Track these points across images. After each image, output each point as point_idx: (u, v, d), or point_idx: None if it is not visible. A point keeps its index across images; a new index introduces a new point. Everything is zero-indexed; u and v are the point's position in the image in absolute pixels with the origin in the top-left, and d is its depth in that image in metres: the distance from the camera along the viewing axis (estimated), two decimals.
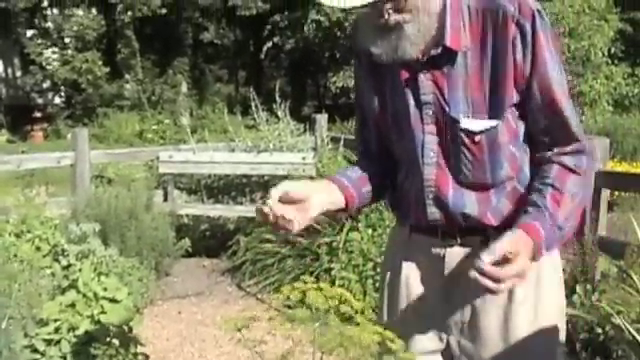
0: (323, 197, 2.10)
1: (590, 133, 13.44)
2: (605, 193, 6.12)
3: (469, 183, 2.09)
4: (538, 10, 1.98)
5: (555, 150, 2.06)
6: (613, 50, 18.21)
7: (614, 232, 6.46)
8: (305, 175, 7.80)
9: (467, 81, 2.02)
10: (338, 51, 19.01)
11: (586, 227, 5.83)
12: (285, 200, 2.00)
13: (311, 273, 6.45)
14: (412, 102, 2.09)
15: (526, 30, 1.97)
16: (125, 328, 4.61)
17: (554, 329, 2.20)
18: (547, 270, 2.16)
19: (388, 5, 1.93)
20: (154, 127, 24.02)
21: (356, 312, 4.94)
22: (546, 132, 2.06)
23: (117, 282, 4.81)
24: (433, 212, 2.13)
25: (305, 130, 9.09)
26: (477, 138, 2.03)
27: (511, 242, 1.88)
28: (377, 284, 6.02)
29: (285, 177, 8.01)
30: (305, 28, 18.25)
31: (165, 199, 8.43)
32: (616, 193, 9.68)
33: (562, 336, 2.23)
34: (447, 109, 2.04)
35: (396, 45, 1.98)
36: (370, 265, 6.06)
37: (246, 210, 8.12)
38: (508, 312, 2.13)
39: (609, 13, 19.24)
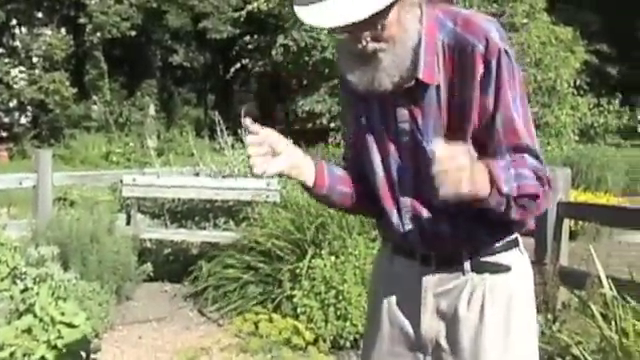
0: (293, 158, 2.16)
1: (555, 162, 13.57)
2: (567, 223, 6.16)
3: (441, 207, 2.14)
4: (505, 50, 2.07)
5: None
6: (579, 81, 18.37)
7: (576, 262, 6.48)
8: (269, 201, 7.80)
9: (439, 112, 2.13)
10: (305, 76, 19.04)
11: (547, 257, 5.86)
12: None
13: (273, 300, 6.43)
14: (388, 129, 2.21)
15: (491, 67, 2.06)
16: (83, 354, 4.56)
17: (525, 353, 2.26)
18: (519, 294, 2.25)
19: (366, 33, 2.01)
20: (120, 149, 23.93)
21: (308, 344, 4.91)
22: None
23: (75, 307, 4.76)
24: (411, 233, 2.23)
25: None
26: None
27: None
28: (339, 312, 6.01)
29: (249, 203, 8.01)
30: (273, 52, 18.26)
31: (128, 223, 8.36)
32: (579, 222, 9.74)
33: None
34: (420, 137, 2.15)
35: (372, 76, 2.07)
36: (332, 293, 6.03)
37: (209, 235, 8.09)
38: (478, 334, 2.20)
39: (575, 45, 19.46)
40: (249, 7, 18.47)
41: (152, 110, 30.57)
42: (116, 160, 23.61)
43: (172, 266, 8.28)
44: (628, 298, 4.37)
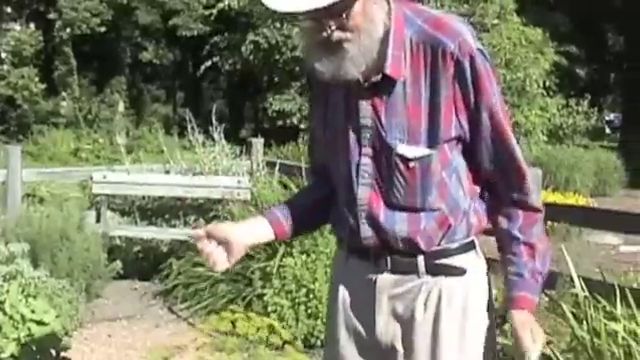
0: (245, 237, 2.25)
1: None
2: None
3: (400, 206, 2.17)
4: (479, 49, 2.09)
5: (516, 195, 2.21)
6: (548, 82, 18.52)
7: None
8: (240, 199, 7.77)
9: (405, 109, 2.12)
10: (276, 74, 19.06)
11: None
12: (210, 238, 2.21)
13: (243, 298, 6.41)
14: (351, 124, 2.19)
15: (465, 67, 2.07)
16: (53, 352, 4.54)
17: (482, 354, 2.26)
18: (475, 296, 2.25)
19: (331, 22, 1.99)
20: (89, 146, 23.78)
21: (285, 343, 4.89)
22: (497, 165, 2.18)
23: (45, 304, 4.74)
24: (366, 230, 2.20)
25: (241, 153, 9.05)
26: (411, 164, 2.12)
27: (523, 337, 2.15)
28: (310, 310, 6.01)
29: (219, 200, 7.98)
30: (243, 49, 18.26)
31: (98, 220, 8.31)
32: (549, 222, 9.81)
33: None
34: (384, 134, 2.14)
35: (339, 65, 2.05)
36: (303, 291, 6.03)
37: (179, 233, 8.05)
38: (435, 337, 2.20)
39: (545, 46, 19.59)
40: (220, 5, 18.47)
41: (121, 107, 30.43)
42: (85, 157, 23.44)
43: (142, 264, 8.24)
44: (599, 298, 4.41)
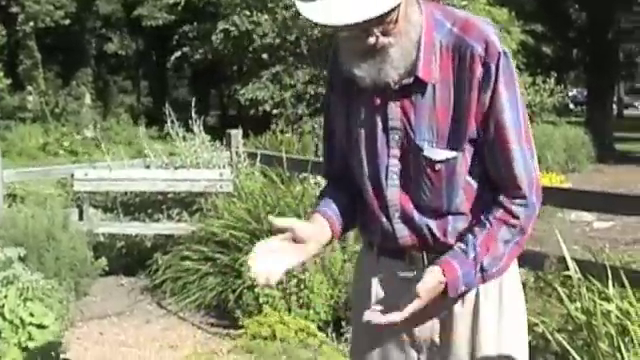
0: (317, 245, 2.22)
1: None
2: None
3: (426, 207, 2.19)
4: (504, 52, 2.10)
5: (503, 196, 2.17)
6: (515, 61, 18.63)
7: (529, 243, 6.62)
8: (223, 192, 7.80)
9: (433, 112, 2.13)
10: (246, 63, 19.01)
11: None
12: (283, 233, 2.15)
13: (234, 291, 6.44)
14: (380, 126, 2.20)
15: (491, 71, 2.08)
16: (53, 354, 4.56)
17: (517, 344, 2.31)
18: (508, 287, 2.28)
19: (377, 28, 2.01)
20: (57, 140, 23.61)
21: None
22: (497, 172, 2.17)
23: (43, 307, 4.75)
24: (401, 229, 2.23)
25: (214, 140, 8.99)
26: (437, 167, 2.15)
27: (425, 289, 2.10)
28: (301, 300, 6.05)
29: (202, 194, 8.01)
30: (213, 37, 18.19)
31: (80, 217, 8.29)
32: None
33: (525, 349, 2.35)
34: (412, 136, 2.16)
35: (380, 69, 2.07)
36: (294, 281, 6.06)
37: (163, 227, 8.07)
38: (474, 329, 2.24)
39: (511, 25, 19.72)
40: None
41: (88, 99, 30.27)
42: (54, 151, 23.28)
43: (127, 260, 8.24)
44: (591, 279, 4.50)
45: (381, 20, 1.97)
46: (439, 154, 2.13)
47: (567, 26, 28.06)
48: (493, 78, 2.08)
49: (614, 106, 34.80)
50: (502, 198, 2.16)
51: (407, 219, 2.22)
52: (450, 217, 2.20)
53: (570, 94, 41.18)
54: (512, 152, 2.13)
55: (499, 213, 2.16)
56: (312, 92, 16.43)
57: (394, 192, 2.22)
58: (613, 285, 4.40)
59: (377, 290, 2.33)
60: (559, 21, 26.73)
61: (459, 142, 2.13)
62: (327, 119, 2.44)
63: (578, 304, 4.46)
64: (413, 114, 2.15)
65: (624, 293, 4.38)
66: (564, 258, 4.74)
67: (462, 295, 2.20)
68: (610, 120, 27.20)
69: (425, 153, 2.14)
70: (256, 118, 17.55)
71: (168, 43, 26.63)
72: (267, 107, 16.92)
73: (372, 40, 2.02)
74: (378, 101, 2.18)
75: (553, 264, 5.20)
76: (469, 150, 2.15)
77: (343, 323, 5.82)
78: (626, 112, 50.18)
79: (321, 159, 2.68)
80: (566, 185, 11.92)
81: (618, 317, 4.17)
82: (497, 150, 2.14)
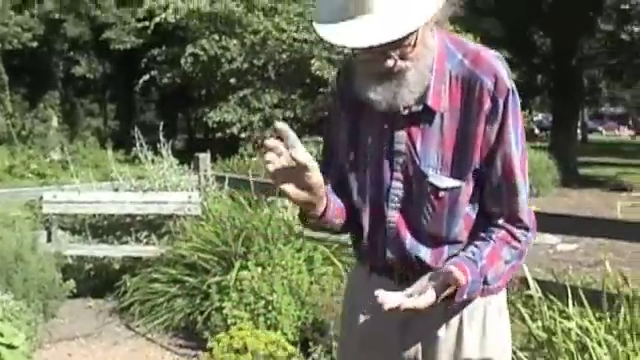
0: (322, 186, 2.14)
1: None
2: None
3: (424, 232, 2.23)
4: (512, 89, 2.15)
5: (503, 221, 2.22)
6: None
7: None
8: (191, 214, 7.87)
9: (440, 140, 2.17)
10: (214, 87, 19.09)
11: None
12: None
13: (202, 312, 6.49)
14: (385, 149, 2.23)
15: (499, 105, 2.13)
16: None
17: None
18: (493, 312, 2.32)
19: (396, 52, 2.04)
20: (24, 163, 23.53)
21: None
22: (498, 203, 2.22)
23: (12, 328, 4.78)
24: (391, 253, 2.27)
25: (182, 163, 9.06)
26: (441, 194, 2.19)
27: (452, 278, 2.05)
28: (269, 322, 6.11)
29: (170, 217, 8.07)
30: (182, 61, 18.28)
31: (49, 239, 8.31)
32: None
33: None
34: (418, 162, 2.19)
35: (395, 92, 2.11)
36: (262, 303, 6.13)
37: (132, 250, 8.10)
38: (457, 354, 2.29)
39: None
40: (157, 19, 18.42)
41: (55, 122, 30.19)
42: (20, 174, 23.20)
43: (95, 282, 8.26)
44: (552, 298, 4.61)
45: (400, 43, 2.00)
46: (444, 181, 2.17)
47: (532, 52, 28.31)
48: (501, 113, 2.13)
49: (578, 131, 35.14)
50: (503, 222, 2.21)
51: (399, 243, 2.25)
52: (447, 246, 2.24)
53: (535, 119, 41.57)
54: (517, 184, 2.19)
55: (501, 234, 2.20)
56: (280, 116, 16.54)
57: (393, 214, 2.25)
58: (573, 304, 4.51)
59: (367, 305, 2.34)
60: (524, 47, 26.97)
61: (464, 172, 2.17)
62: (329, 133, 2.45)
63: (539, 323, 4.56)
64: (420, 141, 2.18)
65: (584, 312, 4.49)
66: (526, 279, 4.85)
67: (448, 318, 2.26)
68: (574, 145, 27.42)
69: (430, 179, 2.18)
70: (224, 141, 17.65)
71: (136, 66, 26.58)
72: (235, 130, 17.01)
73: (390, 63, 2.05)
74: (386, 125, 2.21)
75: (515, 285, 5.31)
76: (472, 181, 2.19)
77: (310, 344, 5.88)
78: (590, 137, 50.86)
79: None
80: (532, 208, 12.00)
81: (578, 335, 4.26)
82: (502, 181, 2.19)
